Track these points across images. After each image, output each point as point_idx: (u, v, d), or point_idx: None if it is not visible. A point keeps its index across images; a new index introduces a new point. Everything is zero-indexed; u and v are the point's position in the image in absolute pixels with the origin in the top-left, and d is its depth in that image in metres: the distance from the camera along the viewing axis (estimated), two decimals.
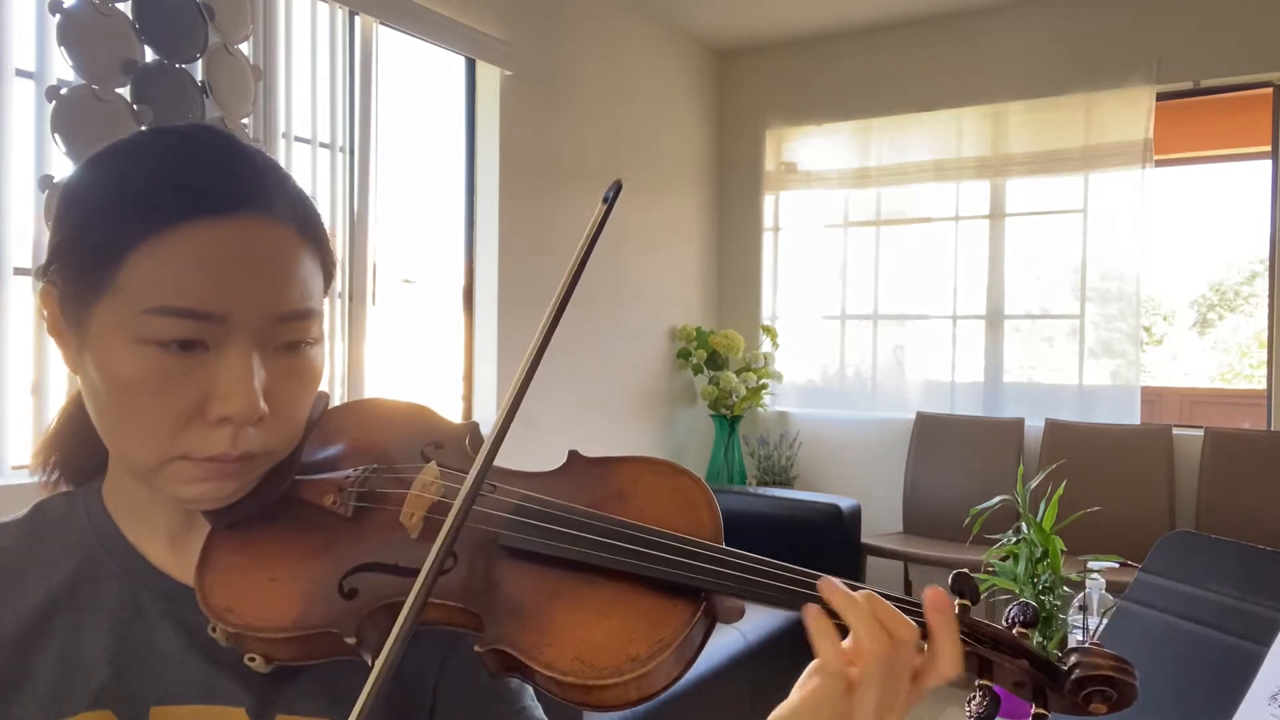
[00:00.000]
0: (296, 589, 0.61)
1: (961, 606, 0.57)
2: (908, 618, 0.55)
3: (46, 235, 2.09)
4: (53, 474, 0.71)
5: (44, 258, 0.63)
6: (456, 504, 0.52)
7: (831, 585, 0.55)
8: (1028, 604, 0.58)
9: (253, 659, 0.59)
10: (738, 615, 0.59)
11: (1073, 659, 0.56)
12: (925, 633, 0.56)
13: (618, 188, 0.58)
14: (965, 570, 0.59)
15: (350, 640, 0.58)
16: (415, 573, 0.51)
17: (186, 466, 0.59)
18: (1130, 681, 0.55)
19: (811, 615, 0.55)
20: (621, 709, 0.55)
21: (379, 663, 0.46)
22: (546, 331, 0.56)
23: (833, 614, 0.55)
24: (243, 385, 0.58)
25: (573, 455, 0.69)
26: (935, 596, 0.55)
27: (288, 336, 0.61)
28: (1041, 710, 0.56)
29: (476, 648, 0.57)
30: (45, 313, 0.63)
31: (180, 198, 0.58)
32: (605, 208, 0.57)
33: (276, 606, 0.59)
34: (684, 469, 0.66)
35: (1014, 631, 0.58)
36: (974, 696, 0.56)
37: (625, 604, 0.57)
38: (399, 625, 0.48)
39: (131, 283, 0.57)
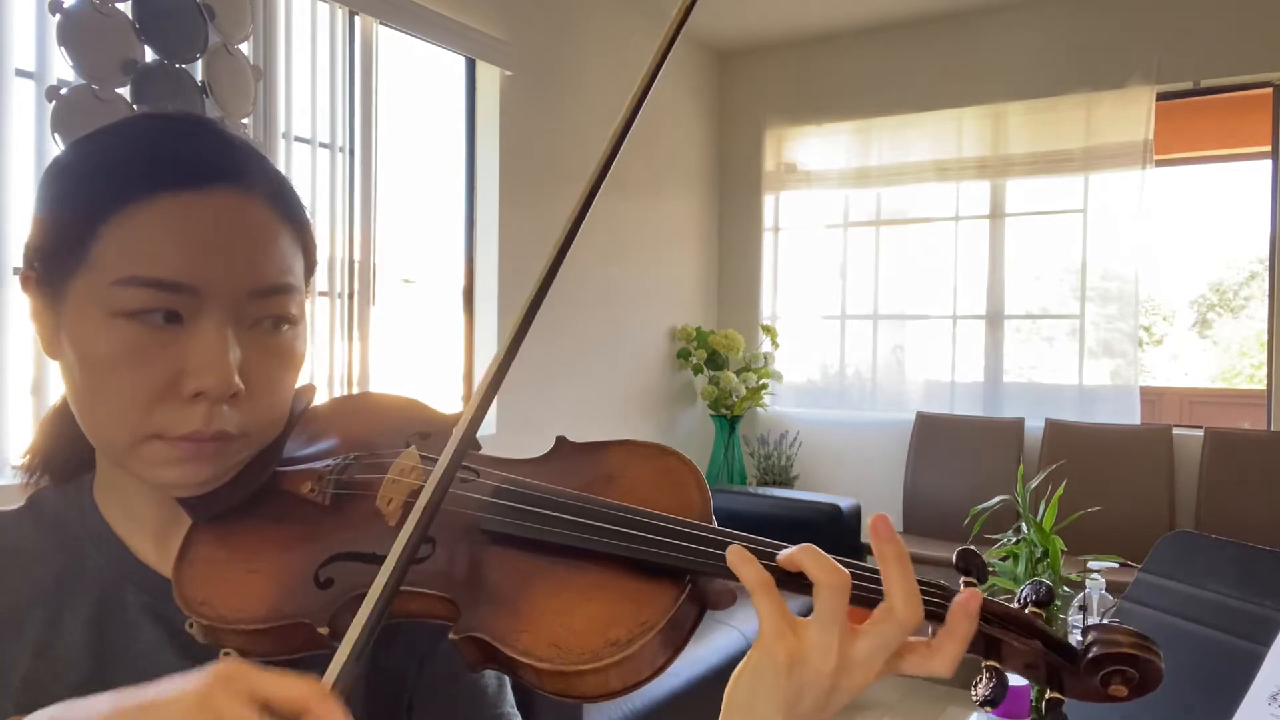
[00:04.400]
0: (273, 580, 0.59)
1: (968, 583, 0.55)
2: (919, 599, 0.52)
3: None
4: (36, 474, 0.71)
5: (28, 235, 0.62)
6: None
7: (807, 551, 0.53)
8: (1040, 582, 0.55)
9: (228, 653, 0.57)
10: (729, 600, 0.56)
11: (1090, 637, 0.52)
12: (935, 619, 0.53)
13: None
14: (971, 547, 0.56)
15: (323, 630, 0.56)
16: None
17: (161, 447, 0.59)
18: (1153, 660, 0.51)
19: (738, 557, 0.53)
20: (606, 698, 0.52)
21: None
22: (582, 203, 0.53)
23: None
24: (216, 359, 0.57)
25: (560, 441, 0.67)
26: (969, 599, 0.52)
27: (264, 311, 0.61)
28: (1057, 695, 0.53)
29: (452, 635, 0.54)
30: (26, 298, 0.62)
31: (153, 170, 0.58)
32: (683, 9, 0.54)
33: (251, 598, 0.58)
34: (672, 450, 0.64)
35: (1026, 611, 0.54)
36: (980, 679, 0.53)
37: (607, 587, 0.55)
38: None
39: (104, 256, 0.57)
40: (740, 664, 0.54)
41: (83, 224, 0.58)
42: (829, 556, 0.52)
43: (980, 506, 1.99)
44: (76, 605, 0.63)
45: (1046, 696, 0.53)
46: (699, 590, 0.56)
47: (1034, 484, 1.95)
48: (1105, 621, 0.54)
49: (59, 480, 0.70)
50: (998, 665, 0.53)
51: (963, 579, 0.55)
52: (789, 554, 0.53)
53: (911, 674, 0.52)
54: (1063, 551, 1.73)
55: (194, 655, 0.62)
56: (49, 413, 0.72)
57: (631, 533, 0.56)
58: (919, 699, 3.65)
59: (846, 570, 0.52)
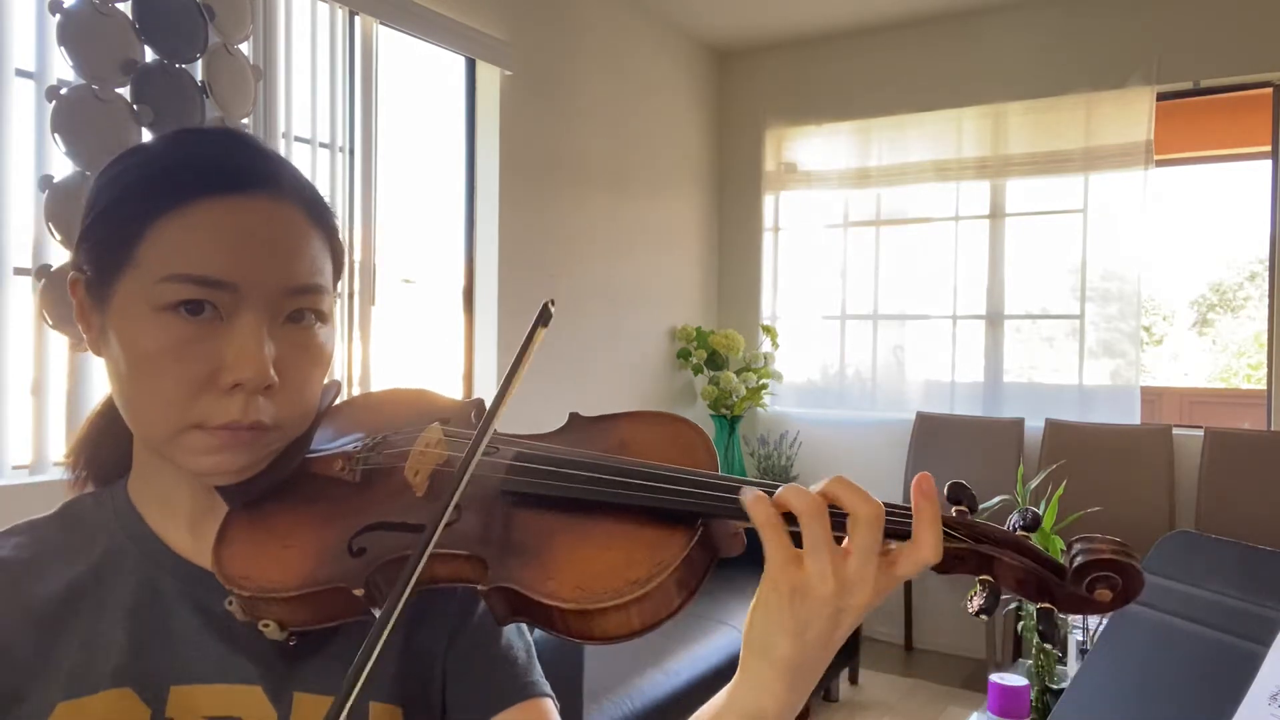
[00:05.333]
0: (308, 552, 0.63)
1: (959, 512, 0.58)
2: (872, 498, 0.56)
3: (47, 235, 2.10)
4: (80, 473, 0.75)
5: (76, 240, 0.67)
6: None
7: (789, 488, 0.57)
8: (1029, 509, 0.59)
9: (267, 625, 0.61)
10: (739, 545, 0.61)
11: (1075, 549, 0.56)
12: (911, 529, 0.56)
13: (548, 303, 0.59)
14: (962, 481, 0.60)
15: (358, 592, 0.60)
16: (420, 529, 0.52)
17: (200, 436, 0.62)
18: (1133, 564, 0.53)
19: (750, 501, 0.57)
20: (628, 637, 0.56)
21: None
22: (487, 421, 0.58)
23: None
24: (253, 352, 0.61)
25: (573, 416, 0.72)
26: (921, 479, 0.56)
27: (297, 309, 0.65)
28: (1047, 605, 0.56)
29: (481, 587, 0.59)
30: (74, 300, 0.66)
31: (195, 177, 0.63)
32: (537, 326, 0.58)
33: (289, 569, 0.62)
34: (680, 417, 0.69)
35: (1016, 533, 0.58)
36: (975, 592, 0.57)
37: (626, 536, 0.59)
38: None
39: (150, 256, 0.61)
40: (752, 603, 0.58)
41: (130, 227, 0.62)
42: (806, 490, 0.57)
43: (980, 506, 1.99)
44: (115, 597, 0.66)
45: (1038, 607, 0.57)
46: (710, 534, 0.60)
47: (1034, 484, 1.95)
48: (1088, 536, 0.57)
49: (99, 480, 0.74)
50: (992, 579, 0.57)
51: (954, 509, 0.59)
52: (776, 494, 0.57)
53: (908, 574, 0.56)
54: (1063, 551, 1.74)
55: (233, 639, 0.66)
56: (91, 416, 0.76)
57: (645, 483, 0.60)
58: (919, 699, 3.66)
59: (819, 497, 0.57)
